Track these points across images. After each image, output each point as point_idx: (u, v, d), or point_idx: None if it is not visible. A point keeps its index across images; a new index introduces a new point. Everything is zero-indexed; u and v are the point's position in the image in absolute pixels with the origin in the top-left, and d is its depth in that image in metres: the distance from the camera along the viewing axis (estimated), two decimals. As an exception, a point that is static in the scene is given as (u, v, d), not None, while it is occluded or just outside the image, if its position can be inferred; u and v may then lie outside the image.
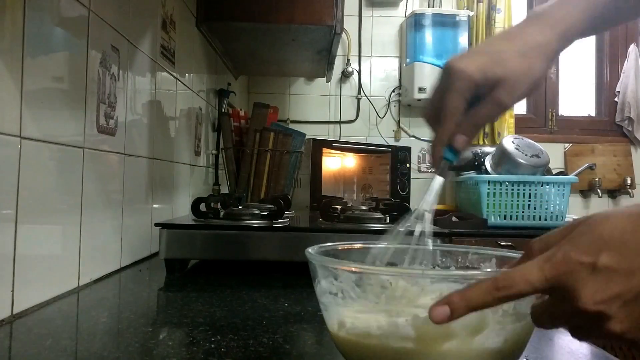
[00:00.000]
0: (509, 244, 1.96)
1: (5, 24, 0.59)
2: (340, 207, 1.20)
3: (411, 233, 0.53)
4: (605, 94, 2.73)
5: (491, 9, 2.51)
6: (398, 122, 2.59)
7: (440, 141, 0.52)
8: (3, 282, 0.60)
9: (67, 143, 0.74)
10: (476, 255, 0.53)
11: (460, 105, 0.51)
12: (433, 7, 2.54)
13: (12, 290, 0.61)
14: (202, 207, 1.05)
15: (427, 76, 2.39)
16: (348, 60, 2.58)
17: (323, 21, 1.38)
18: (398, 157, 2.17)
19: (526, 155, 2.05)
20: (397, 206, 1.12)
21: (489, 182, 2.05)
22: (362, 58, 2.60)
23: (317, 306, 0.46)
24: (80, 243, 0.78)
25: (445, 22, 2.45)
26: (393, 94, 2.60)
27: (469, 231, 1.97)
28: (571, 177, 2.18)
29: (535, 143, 2.14)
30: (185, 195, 1.41)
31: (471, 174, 2.18)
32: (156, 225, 0.93)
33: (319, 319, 0.61)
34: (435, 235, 0.94)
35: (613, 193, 2.60)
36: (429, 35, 2.43)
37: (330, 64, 1.91)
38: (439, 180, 0.53)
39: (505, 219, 2.04)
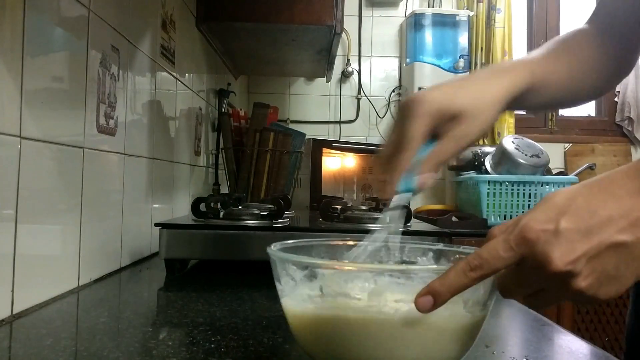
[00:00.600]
0: (509, 244, 1.97)
1: (5, 23, 0.59)
2: (340, 207, 1.20)
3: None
4: (605, 94, 2.73)
5: (491, 9, 2.51)
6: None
7: (401, 166, 0.51)
8: (3, 282, 0.60)
9: (67, 143, 0.74)
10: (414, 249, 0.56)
11: (422, 132, 0.52)
12: (433, 7, 2.54)
13: (12, 290, 0.61)
14: (202, 207, 1.05)
15: (427, 76, 2.39)
16: (348, 60, 2.58)
17: (323, 21, 1.38)
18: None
19: (526, 155, 2.06)
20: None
21: (489, 182, 2.05)
22: (362, 58, 2.60)
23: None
24: (80, 243, 0.78)
25: (445, 22, 2.45)
26: (393, 94, 2.60)
27: (469, 231, 1.97)
28: (571, 177, 2.18)
29: (535, 143, 2.14)
30: (185, 195, 1.41)
31: (471, 174, 2.18)
32: (156, 225, 0.93)
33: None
34: (436, 235, 0.95)
35: (613, 193, 2.60)
36: (429, 35, 2.43)
37: (330, 64, 1.91)
38: (397, 211, 0.54)
39: (505, 219, 2.04)
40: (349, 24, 2.54)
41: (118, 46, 0.91)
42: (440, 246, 0.54)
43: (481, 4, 2.52)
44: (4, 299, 0.60)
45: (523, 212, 2.13)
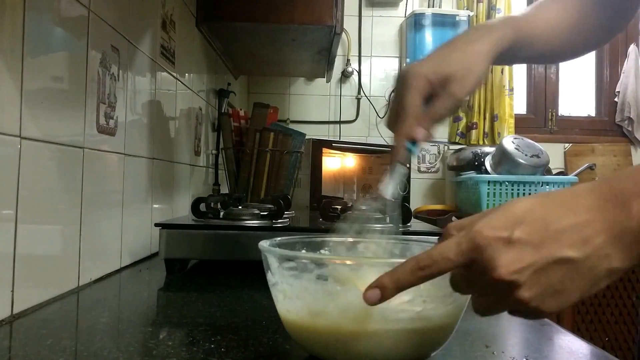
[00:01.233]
0: (509, 244, 1.97)
1: (5, 23, 0.59)
2: (340, 207, 1.20)
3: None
4: (605, 94, 2.73)
5: (491, 9, 2.51)
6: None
7: (402, 135, 0.58)
8: (3, 282, 0.60)
9: (67, 143, 0.74)
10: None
11: (417, 101, 0.58)
12: (433, 7, 2.54)
13: (12, 290, 0.61)
14: (202, 207, 1.05)
15: (427, 76, 2.39)
16: (348, 60, 2.58)
17: (323, 21, 1.38)
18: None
19: (526, 155, 2.06)
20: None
21: (488, 182, 2.05)
22: (362, 58, 2.60)
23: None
24: (80, 243, 0.78)
25: (445, 22, 2.45)
26: (393, 94, 2.60)
27: (469, 231, 1.97)
28: (571, 177, 2.18)
29: (535, 143, 2.14)
30: (185, 195, 1.41)
31: (471, 174, 2.18)
32: (156, 225, 0.93)
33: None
34: (436, 235, 0.95)
35: (613, 193, 2.60)
36: (428, 36, 2.43)
37: (330, 64, 1.91)
38: (401, 169, 0.59)
39: (505, 219, 2.04)
40: (349, 24, 2.54)
41: (118, 46, 0.91)
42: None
43: (481, 4, 2.52)
44: (4, 299, 0.60)
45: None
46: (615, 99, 2.68)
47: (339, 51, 2.48)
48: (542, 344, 0.58)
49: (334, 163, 2.19)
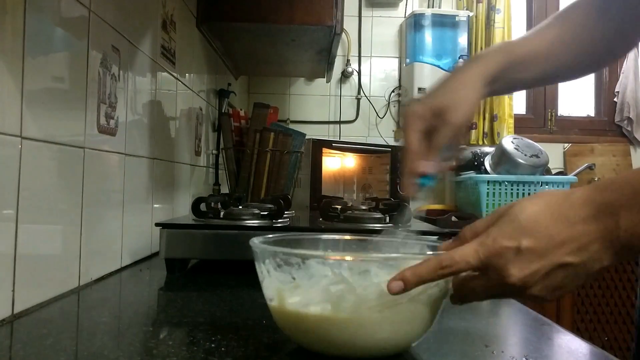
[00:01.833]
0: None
1: (6, 24, 0.59)
2: (340, 207, 1.20)
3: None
4: (604, 94, 2.73)
5: (491, 9, 2.51)
6: (398, 122, 2.60)
7: (408, 173, 0.63)
8: (4, 282, 0.60)
9: (67, 143, 0.74)
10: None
11: (415, 138, 0.63)
12: (433, 7, 2.55)
13: (13, 290, 0.61)
14: (203, 207, 1.05)
15: (426, 76, 2.40)
16: (348, 60, 2.58)
17: (323, 21, 1.38)
18: (398, 157, 2.17)
19: (525, 155, 2.06)
20: (397, 206, 1.12)
21: (488, 182, 2.05)
22: (362, 58, 2.60)
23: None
24: (81, 243, 0.79)
25: (444, 22, 2.45)
26: (393, 94, 2.60)
27: (468, 231, 1.97)
28: (570, 177, 2.18)
29: (535, 143, 2.14)
30: (186, 195, 1.41)
31: (471, 174, 2.18)
32: (156, 225, 0.93)
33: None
34: (435, 235, 0.95)
35: (612, 193, 2.60)
36: (428, 36, 2.43)
37: (330, 64, 1.91)
38: (409, 207, 0.63)
39: (504, 219, 2.04)
40: (349, 24, 2.54)
41: (118, 46, 0.91)
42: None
43: (481, 4, 2.52)
44: (5, 298, 0.60)
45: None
46: (615, 99, 2.68)
47: (339, 51, 2.48)
48: (541, 344, 0.58)
49: (334, 163, 2.19)
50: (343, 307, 0.47)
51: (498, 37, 2.50)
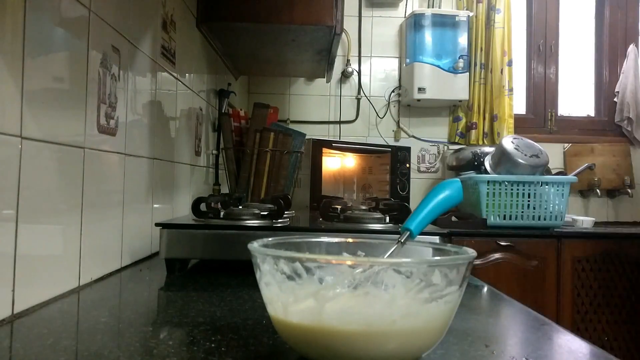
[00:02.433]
0: (509, 243, 1.97)
1: (6, 24, 0.59)
2: (340, 207, 1.20)
3: None
4: (604, 94, 2.73)
5: (491, 9, 2.52)
6: (398, 122, 2.60)
7: None
8: (4, 282, 0.60)
9: (67, 143, 0.74)
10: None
11: None
12: (433, 7, 2.55)
13: (13, 290, 0.61)
14: (203, 207, 1.05)
15: (426, 76, 2.40)
16: (348, 60, 2.58)
17: (323, 21, 1.38)
18: (398, 157, 2.17)
19: (525, 155, 2.06)
20: (397, 206, 1.12)
21: (488, 182, 2.05)
22: (362, 58, 2.61)
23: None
24: (81, 243, 0.79)
25: (444, 22, 2.45)
26: (393, 94, 2.60)
27: (468, 231, 1.98)
28: (570, 177, 2.18)
29: (535, 143, 2.14)
30: (186, 195, 1.41)
31: (471, 173, 2.18)
32: (156, 225, 0.93)
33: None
34: (435, 235, 0.95)
35: (612, 193, 2.60)
36: (428, 36, 2.43)
37: (330, 64, 1.91)
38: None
39: (504, 218, 2.05)
40: (349, 24, 2.54)
41: (118, 46, 0.91)
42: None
43: (481, 4, 2.52)
44: (5, 298, 0.60)
45: (522, 212, 2.14)
46: (615, 99, 2.68)
47: (339, 51, 2.48)
48: (541, 344, 0.58)
49: (334, 163, 2.19)
50: (352, 318, 0.44)
51: (498, 37, 2.50)
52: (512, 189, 2.05)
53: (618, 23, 2.72)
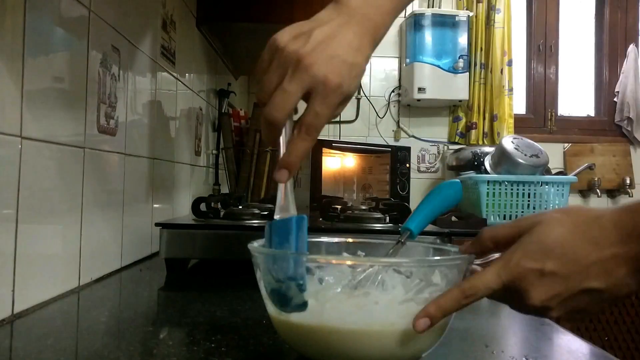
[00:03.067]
0: (509, 243, 1.97)
1: (6, 24, 0.59)
2: (340, 207, 1.20)
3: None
4: (604, 94, 2.73)
5: (491, 9, 2.51)
6: (398, 122, 2.60)
7: (302, 153, 0.54)
8: (4, 282, 0.60)
9: (67, 143, 0.74)
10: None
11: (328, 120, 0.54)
12: (433, 7, 2.55)
13: (13, 290, 0.61)
14: (203, 206, 1.05)
15: (426, 76, 2.39)
16: (348, 60, 2.58)
17: (323, 21, 1.38)
18: (398, 157, 2.17)
19: (525, 155, 2.06)
20: (397, 206, 1.12)
21: (488, 182, 2.05)
22: (362, 58, 2.60)
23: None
24: (81, 243, 0.79)
25: (444, 22, 2.45)
26: (393, 94, 2.60)
27: (468, 231, 1.98)
28: (570, 177, 2.18)
29: (535, 143, 2.14)
30: (186, 195, 1.41)
31: (470, 173, 2.18)
32: (156, 225, 0.93)
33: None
34: (435, 235, 0.95)
35: (612, 193, 2.60)
36: (428, 36, 2.43)
37: (330, 64, 1.91)
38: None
39: (504, 218, 2.05)
40: (349, 24, 2.53)
41: (118, 46, 0.91)
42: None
43: (481, 4, 2.52)
44: (5, 298, 0.60)
45: (522, 212, 2.13)
46: (615, 99, 2.68)
47: (339, 51, 2.47)
48: (541, 344, 0.58)
49: (334, 163, 2.19)
50: (351, 318, 0.44)
51: (498, 37, 2.50)
52: (512, 189, 2.04)
53: (618, 23, 2.72)
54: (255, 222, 0.98)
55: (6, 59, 0.59)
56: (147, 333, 0.58)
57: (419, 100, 2.43)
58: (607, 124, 2.70)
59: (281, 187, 0.52)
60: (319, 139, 2.25)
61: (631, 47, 2.65)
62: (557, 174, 2.35)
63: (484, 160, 2.19)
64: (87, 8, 0.78)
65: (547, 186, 2.05)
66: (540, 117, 2.70)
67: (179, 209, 1.34)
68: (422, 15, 2.44)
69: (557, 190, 2.06)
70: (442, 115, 2.62)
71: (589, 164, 2.53)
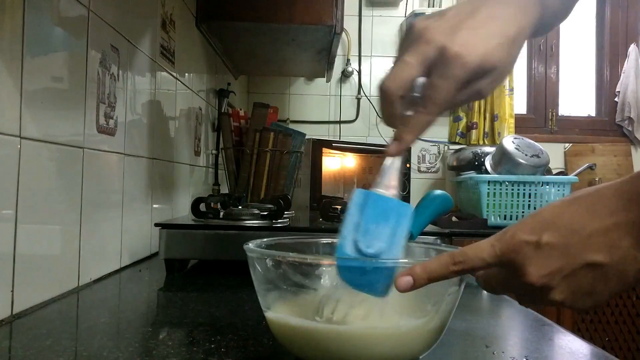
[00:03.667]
0: (509, 244, 1.96)
1: (5, 23, 0.59)
2: (340, 207, 1.20)
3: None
4: (605, 93, 2.73)
5: (491, 8, 2.51)
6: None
7: (418, 128, 0.47)
8: (3, 282, 0.60)
9: (66, 143, 0.74)
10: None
11: (451, 96, 0.46)
12: (433, 6, 2.54)
13: (12, 290, 0.61)
14: (202, 207, 1.05)
15: (427, 76, 2.39)
16: (348, 60, 2.58)
17: (323, 21, 1.38)
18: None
19: (526, 155, 2.05)
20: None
21: (489, 182, 2.04)
22: (362, 58, 2.60)
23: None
24: (80, 243, 0.78)
25: (445, 22, 2.44)
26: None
27: (469, 231, 1.97)
28: (571, 177, 2.18)
29: (536, 143, 2.14)
30: (185, 195, 1.41)
31: (471, 174, 2.18)
32: (156, 225, 0.93)
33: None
34: (436, 235, 0.95)
35: (613, 193, 2.60)
36: (429, 35, 2.43)
37: (330, 64, 1.91)
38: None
39: (505, 219, 2.04)
40: (349, 23, 2.54)
41: (118, 46, 0.91)
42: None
43: (481, 3, 2.51)
44: (4, 299, 0.60)
45: (523, 212, 2.13)
46: (616, 99, 2.68)
47: (339, 51, 2.48)
48: (542, 344, 0.58)
49: (334, 163, 2.19)
50: (350, 319, 0.44)
51: (498, 37, 2.49)
52: (512, 189, 2.04)
53: (619, 23, 2.72)
54: (255, 223, 0.98)
55: (5, 59, 0.58)
56: (146, 333, 0.58)
57: (419, 100, 2.43)
58: (608, 124, 2.69)
59: (388, 162, 0.50)
60: (319, 139, 2.24)
61: (632, 46, 2.64)
62: (558, 174, 2.35)
63: (484, 160, 2.19)
64: (87, 7, 0.78)
65: (547, 186, 2.05)
66: (541, 117, 2.69)
67: (179, 209, 1.34)
68: (422, 14, 2.43)
69: (558, 190, 2.06)
70: (443, 115, 2.62)
71: (589, 164, 2.53)
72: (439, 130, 2.61)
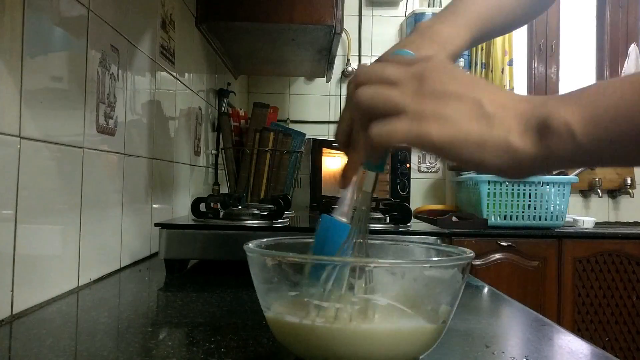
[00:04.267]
0: (509, 244, 1.97)
1: (5, 23, 0.59)
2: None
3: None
4: (605, 93, 2.72)
5: (491, 8, 2.51)
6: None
7: (353, 166, 0.53)
8: (3, 282, 0.60)
9: (66, 143, 0.73)
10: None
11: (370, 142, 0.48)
12: (433, 6, 2.55)
13: (12, 290, 0.61)
14: (202, 207, 1.05)
15: (427, 76, 2.39)
16: (348, 60, 2.58)
17: (323, 21, 1.38)
18: (398, 157, 2.17)
19: (526, 155, 2.05)
20: (397, 206, 1.12)
21: (489, 182, 2.04)
22: (362, 58, 2.60)
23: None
24: (80, 243, 0.78)
25: (445, 22, 2.44)
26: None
27: (469, 231, 1.97)
28: (571, 177, 2.18)
29: (535, 143, 2.13)
30: (185, 195, 1.41)
31: (471, 174, 2.18)
32: (156, 225, 0.93)
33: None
34: (436, 235, 0.94)
35: (613, 193, 2.60)
36: (429, 35, 2.43)
37: (330, 64, 1.91)
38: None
39: (505, 219, 2.04)
40: (349, 23, 2.54)
41: (118, 46, 0.91)
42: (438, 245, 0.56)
43: (481, 3, 2.51)
44: (4, 299, 0.60)
45: (523, 212, 2.13)
46: (616, 99, 2.68)
47: (339, 51, 2.48)
48: (542, 344, 0.58)
49: (334, 163, 2.19)
50: (346, 319, 0.44)
51: (499, 37, 2.49)
52: (512, 189, 2.04)
53: (619, 22, 2.72)
54: (254, 223, 0.98)
55: (5, 59, 0.58)
56: (146, 333, 0.58)
57: (419, 100, 2.43)
58: (608, 123, 2.69)
59: (342, 192, 0.53)
60: (319, 139, 2.23)
61: (632, 46, 2.64)
62: (558, 173, 2.35)
63: (484, 160, 2.19)
64: (86, 7, 0.78)
65: (547, 186, 2.05)
66: (541, 117, 2.69)
67: (179, 209, 1.34)
68: (422, 14, 2.43)
69: (558, 190, 2.06)
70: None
71: (589, 164, 2.53)
72: (439, 130, 2.61)
